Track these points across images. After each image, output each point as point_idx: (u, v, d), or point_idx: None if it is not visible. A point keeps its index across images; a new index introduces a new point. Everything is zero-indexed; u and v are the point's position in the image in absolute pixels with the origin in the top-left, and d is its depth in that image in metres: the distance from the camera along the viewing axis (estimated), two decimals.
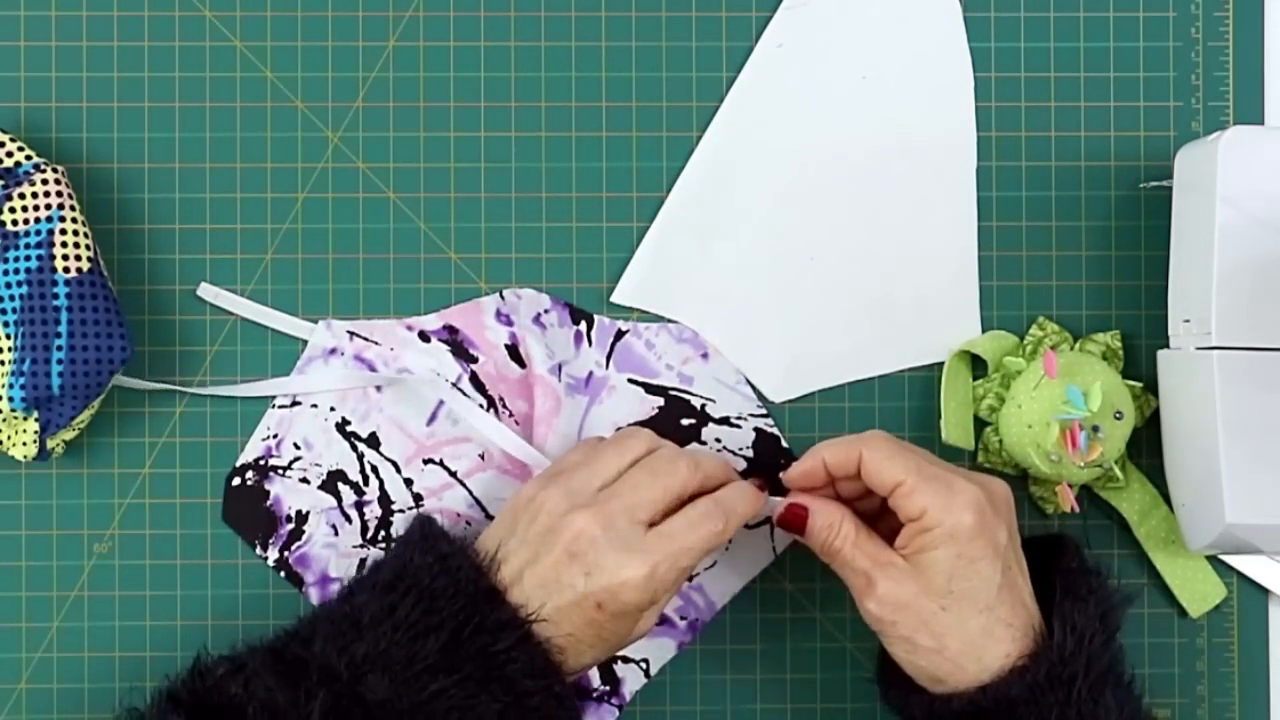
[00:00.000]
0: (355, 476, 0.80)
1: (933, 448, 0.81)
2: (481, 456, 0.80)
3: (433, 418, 0.80)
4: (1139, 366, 0.82)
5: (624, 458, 0.73)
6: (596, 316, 0.81)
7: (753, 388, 0.81)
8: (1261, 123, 0.82)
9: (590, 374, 0.81)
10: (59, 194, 0.76)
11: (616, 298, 0.81)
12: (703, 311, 0.81)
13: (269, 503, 0.80)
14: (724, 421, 0.81)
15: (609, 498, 0.71)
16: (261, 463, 0.79)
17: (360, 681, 0.68)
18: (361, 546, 0.79)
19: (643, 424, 0.80)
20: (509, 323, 0.80)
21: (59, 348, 0.75)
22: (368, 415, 0.80)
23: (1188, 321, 0.77)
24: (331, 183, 0.81)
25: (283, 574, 0.79)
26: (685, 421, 0.81)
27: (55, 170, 0.76)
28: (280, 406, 0.80)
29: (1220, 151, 0.74)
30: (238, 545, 0.80)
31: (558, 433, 0.79)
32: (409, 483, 0.80)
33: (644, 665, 0.80)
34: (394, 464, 0.80)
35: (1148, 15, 0.82)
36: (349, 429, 0.80)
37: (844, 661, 0.81)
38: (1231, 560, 0.82)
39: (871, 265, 0.81)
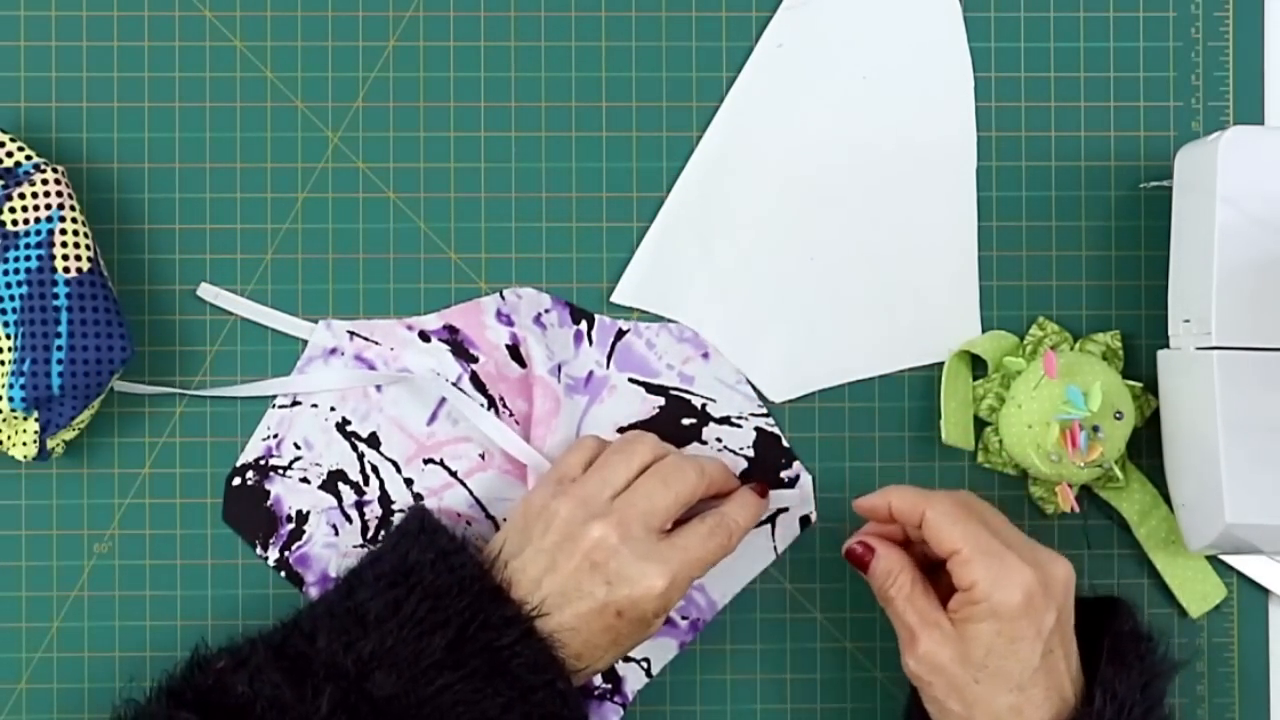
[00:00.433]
0: (355, 476, 0.80)
1: (932, 448, 0.82)
2: (482, 456, 0.80)
3: (433, 418, 0.80)
4: (1139, 366, 0.82)
5: (632, 464, 0.74)
6: (597, 316, 0.81)
7: (753, 387, 0.81)
8: (1261, 123, 0.82)
9: (590, 373, 0.81)
10: (59, 194, 0.76)
11: (616, 298, 0.81)
12: (703, 311, 0.81)
13: (269, 503, 0.80)
14: (724, 421, 0.81)
15: (625, 506, 0.72)
16: (262, 463, 0.79)
17: (367, 678, 0.69)
18: (362, 546, 0.79)
19: (643, 424, 0.80)
20: (509, 323, 0.80)
21: (59, 348, 0.75)
22: (368, 415, 0.80)
23: (1188, 321, 0.77)
24: (331, 183, 0.81)
25: (283, 574, 0.79)
26: (686, 421, 0.81)
27: (55, 170, 0.76)
28: (280, 406, 0.80)
29: (1220, 151, 0.74)
30: (238, 545, 0.80)
31: (556, 433, 0.79)
32: (409, 482, 0.80)
33: (645, 665, 0.80)
34: (394, 464, 0.80)
35: (1148, 15, 0.82)
36: (349, 429, 0.80)
37: (844, 661, 0.81)
38: (1231, 560, 0.82)
39: (871, 265, 0.81)
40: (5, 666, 0.79)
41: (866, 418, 0.82)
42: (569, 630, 0.71)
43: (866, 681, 0.81)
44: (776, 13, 0.82)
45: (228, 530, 0.80)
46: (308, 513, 0.80)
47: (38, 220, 0.75)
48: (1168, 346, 0.79)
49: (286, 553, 0.79)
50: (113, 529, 0.80)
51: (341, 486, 0.80)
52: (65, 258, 0.75)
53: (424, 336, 0.80)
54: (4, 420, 0.76)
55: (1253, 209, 0.74)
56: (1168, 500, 0.80)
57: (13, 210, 0.75)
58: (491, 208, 0.81)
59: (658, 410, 0.81)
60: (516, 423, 0.80)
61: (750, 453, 0.81)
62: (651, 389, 0.81)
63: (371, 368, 0.80)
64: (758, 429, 0.81)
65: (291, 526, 0.79)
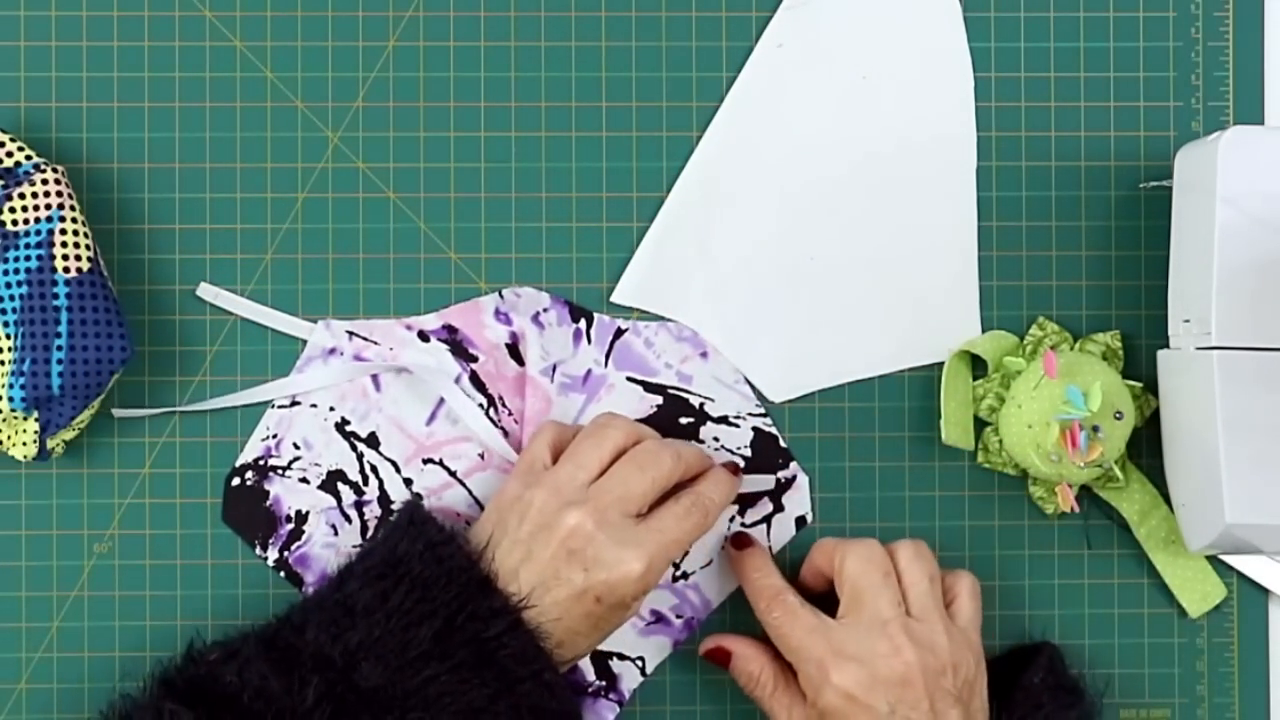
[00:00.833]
0: (355, 476, 0.80)
1: (932, 448, 0.81)
2: (481, 456, 0.80)
3: (432, 417, 0.80)
4: (1139, 366, 0.82)
5: (604, 449, 0.75)
6: (596, 315, 0.81)
7: (752, 388, 0.81)
8: (1261, 123, 0.82)
9: (589, 372, 0.81)
10: (59, 194, 0.76)
11: (616, 298, 0.81)
12: (702, 311, 0.81)
13: (269, 503, 0.80)
14: (722, 420, 0.81)
15: (600, 493, 0.73)
16: (261, 463, 0.79)
17: (354, 669, 0.69)
18: (360, 546, 0.79)
19: (641, 422, 0.80)
20: (508, 321, 0.80)
21: (59, 348, 0.75)
22: (367, 415, 0.80)
23: (1188, 321, 0.77)
24: (331, 183, 0.81)
25: (282, 574, 0.79)
26: (684, 420, 0.81)
27: (55, 170, 0.76)
28: (280, 406, 0.80)
29: (1220, 151, 0.74)
30: (238, 545, 0.80)
31: None
32: (408, 482, 0.80)
33: (640, 663, 0.80)
34: (393, 464, 0.80)
35: (1148, 15, 0.82)
36: (348, 429, 0.80)
37: None
38: (1231, 560, 0.82)
39: (871, 265, 0.81)
40: (5, 666, 0.79)
41: (866, 418, 0.82)
42: (550, 619, 0.71)
43: None
44: (776, 13, 0.82)
45: (228, 530, 0.80)
46: (307, 513, 0.80)
47: (38, 220, 0.75)
48: (1168, 346, 0.79)
49: (286, 553, 0.79)
50: (113, 529, 0.80)
51: (341, 486, 0.80)
52: (65, 258, 0.75)
53: (423, 336, 0.80)
54: (4, 420, 0.76)
55: (1253, 209, 0.74)
56: (1168, 500, 0.80)
57: (13, 210, 0.75)
58: (491, 208, 0.81)
59: (656, 409, 0.81)
60: (516, 422, 0.80)
61: (748, 452, 0.81)
62: (649, 388, 0.81)
63: None
64: (755, 429, 0.81)
65: (291, 526, 0.79)
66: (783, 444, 0.81)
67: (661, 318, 0.81)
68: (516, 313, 0.80)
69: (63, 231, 0.75)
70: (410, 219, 0.81)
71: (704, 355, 0.81)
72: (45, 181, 0.76)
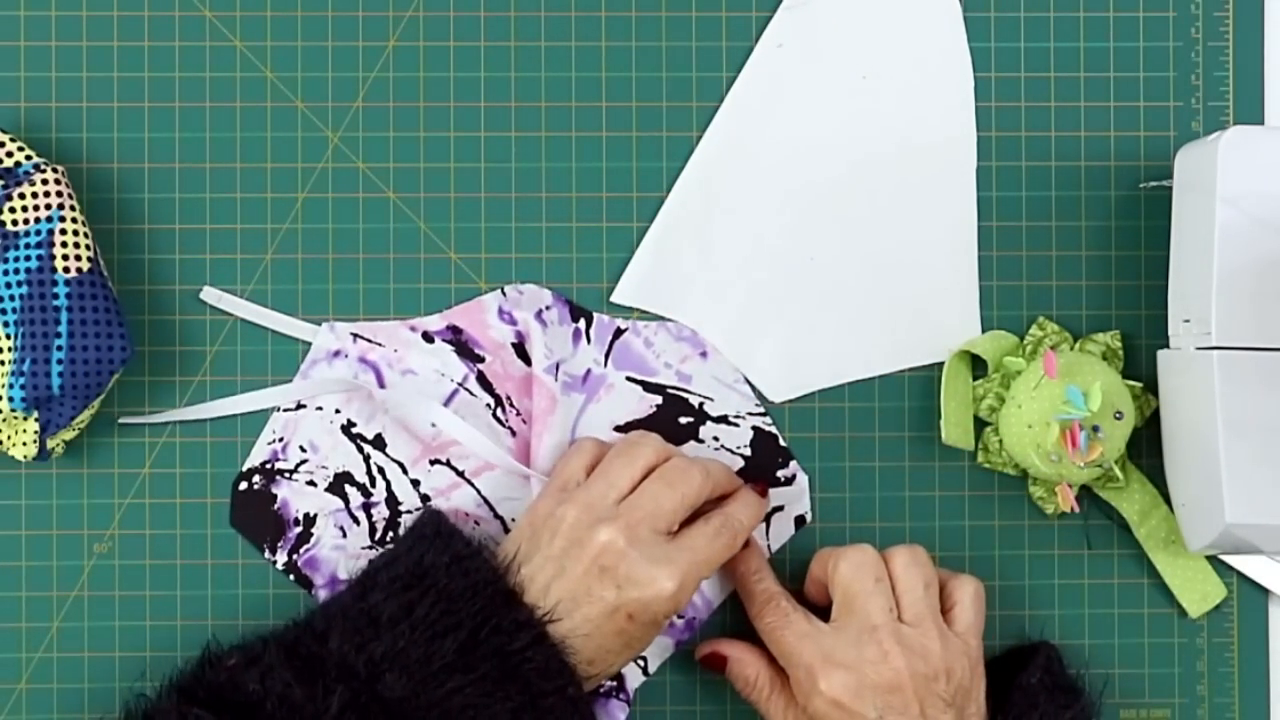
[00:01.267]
0: (362, 478, 0.80)
1: (932, 448, 0.81)
2: None
3: None
4: (1139, 366, 0.82)
5: (636, 466, 0.75)
6: (595, 314, 0.81)
7: (752, 387, 0.81)
8: (1261, 123, 0.82)
9: (588, 371, 0.81)
10: (59, 194, 0.76)
11: (616, 298, 0.81)
12: (702, 311, 0.81)
13: (276, 506, 0.80)
14: (722, 420, 0.81)
15: (631, 510, 0.73)
16: (268, 466, 0.79)
17: (378, 680, 0.69)
18: (370, 548, 0.79)
19: (640, 422, 0.80)
20: (512, 320, 0.80)
21: (59, 348, 0.75)
22: (373, 417, 0.80)
23: (1188, 321, 0.77)
24: (331, 183, 0.81)
25: (291, 577, 0.79)
26: (683, 420, 0.81)
27: (55, 170, 0.76)
28: (285, 409, 0.80)
29: (1220, 151, 0.74)
30: (238, 545, 0.80)
31: (552, 432, 0.79)
32: (416, 484, 0.80)
33: (642, 663, 0.80)
34: (400, 465, 0.80)
35: (1148, 15, 0.82)
36: (354, 431, 0.80)
37: None
38: (1231, 560, 0.82)
39: (871, 265, 0.81)
40: (5, 666, 0.79)
41: (866, 418, 0.82)
42: (580, 635, 0.71)
43: None
44: (776, 13, 0.82)
45: (228, 530, 0.80)
46: (315, 515, 0.80)
47: (38, 220, 0.75)
48: (1168, 346, 0.79)
49: (295, 556, 0.79)
50: (113, 529, 0.80)
51: (348, 489, 0.80)
52: (65, 258, 0.75)
53: (427, 337, 0.80)
54: (4, 420, 0.76)
55: (1253, 209, 0.74)
56: (1168, 500, 0.80)
57: (13, 210, 0.75)
58: (491, 208, 0.81)
59: (655, 409, 0.81)
60: (524, 422, 0.80)
61: (747, 452, 0.81)
62: (649, 387, 0.81)
63: (376, 370, 0.80)
64: (755, 428, 0.81)
65: (299, 530, 0.79)
66: (783, 444, 0.81)
67: (661, 318, 0.81)
68: (520, 310, 0.80)
69: (63, 231, 0.75)
70: (410, 219, 0.81)
71: (704, 355, 0.81)
72: (45, 181, 0.76)
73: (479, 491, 0.80)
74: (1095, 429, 0.77)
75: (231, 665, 0.70)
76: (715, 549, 0.74)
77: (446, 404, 0.80)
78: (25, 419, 0.76)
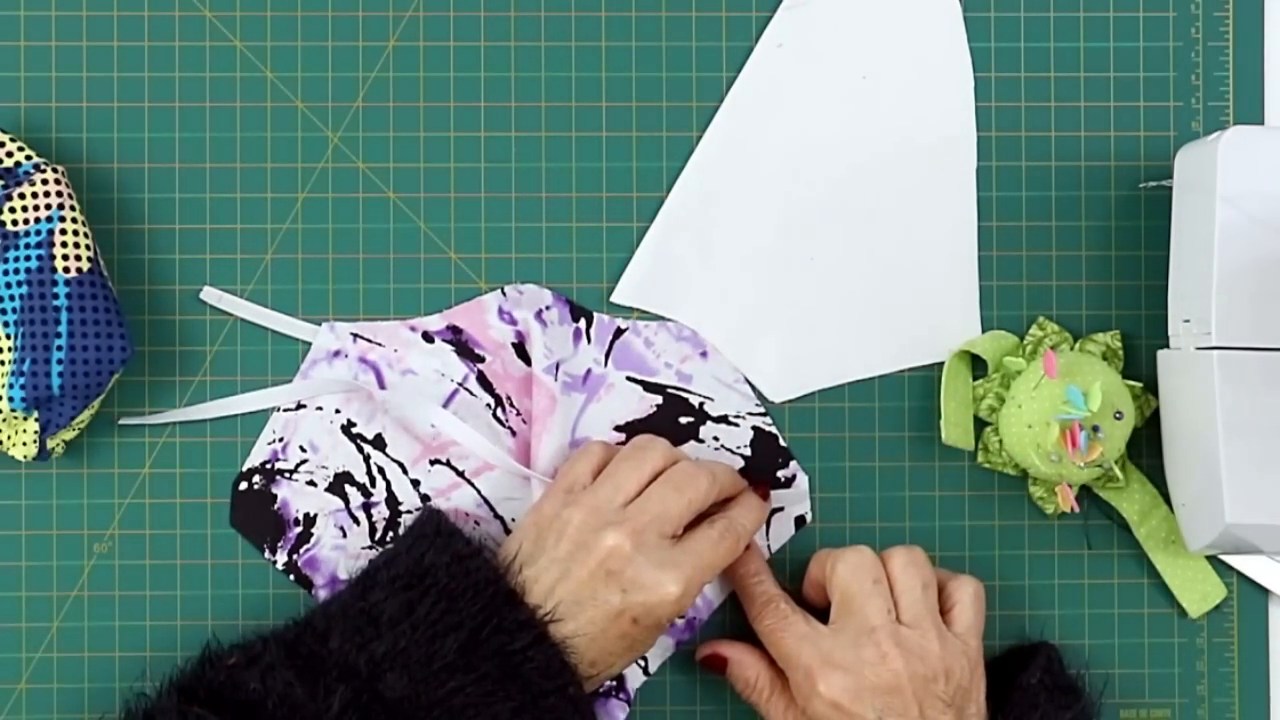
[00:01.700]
0: (362, 478, 0.80)
1: (932, 448, 0.81)
2: None
3: None
4: (1139, 366, 0.82)
5: (643, 470, 0.75)
6: (595, 314, 0.81)
7: (752, 387, 0.81)
8: (1261, 123, 0.82)
9: (589, 371, 0.81)
10: (59, 194, 0.76)
11: (616, 298, 0.81)
12: (702, 311, 0.81)
13: (276, 506, 0.80)
14: (722, 420, 0.81)
15: (637, 514, 0.73)
16: (268, 466, 0.79)
17: (379, 679, 0.69)
18: (370, 548, 0.79)
19: (640, 422, 0.80)
20: (512, 321, 0.80)
21: (59, 348, 0.75)
22: (373, 417, 0.80)
23: (1188, 321, 0.77)
24: (331, 183, 0.81)
25: (292, 577, 0.79)
26: (683, 420, 0.81)
27: (55, 170, 0.76)
28: (285, 409, 0.80)
29: (1220, 151, 0.74)
30: (238, 545, 0.80)
31: (551, 432, 0.79)
32: (416, 484, 0.80)
33: (643, 663, 0.80)
34: (401, 465, 0.80)
35: (1148, 15, 0.82)
36: (354, 431, 0.80)
37: None
38: (1231, 560, 0.82)
39: (871, 265, 0.81)
40: (5, 666, 0.79)
41: (866, 418, 0.82)
42: (584, 638, 0.71)
43: None
44: (776, 13, 0.82)
45: (228, 530, 0.80)
46: (315, 515, 0.80)
47: (38, 220, 0.75)
48: (1168, 346, 0.79)
49: (295, 556, 0.79)
50: (113, 529, 0.80)
51: (348, 489, 0.80)
52: (65, 258, 0.75)
53: (427, 337, 0.80)
54: (4, 420, 0.76)
55: (1253, 209, 0.74)
56: (1168, 500, 0.80)
57: (13, 210, 0.75)
58: (491, 208, 0.81)
59: (655, 409, 0.81)
60: (524, 422, 0.80)
61: (747, 452, 0.81)
62: (649, 387, 0.81)
63: (376, 370, 0.80)
64: (755, 428, 0.81)
65: (299, 530, 0.79)
66: (783, 444, 0.81)
67: (661, 317, 0.81)
68: (520, 310, 0.80)
69: (63, 231, 0.75)
70: (410, 219, 0.81)
71: (704, 355, 0.81)
72: (45, 181, 0.76)
73: (479, 491, 0.80)
74: (1095, 429, 0.77)
75: (232, 664, 0.70)
76: (719, 553, 0.74)
77: (447, 404, 0.80)
78: (25, 419, 0.76)
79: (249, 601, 0.80)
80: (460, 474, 0.80)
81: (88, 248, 0.76)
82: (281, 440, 0.80)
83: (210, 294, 0.80)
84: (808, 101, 0.81)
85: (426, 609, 0.70)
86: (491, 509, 0.80)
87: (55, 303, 0.75)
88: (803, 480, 0.81)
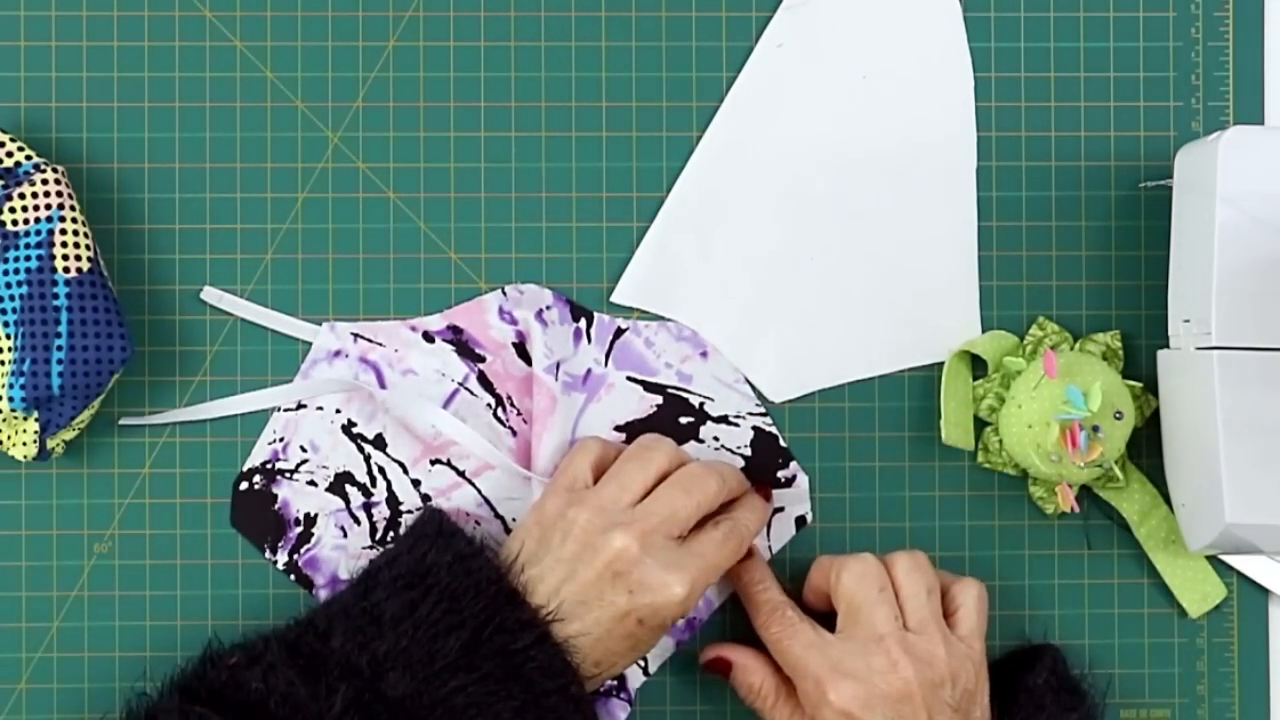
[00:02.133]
0: (363, 478, 0.80)
1: (932, 448, 0.81)
2: None
3: None
4: (1139, 366, 0.82)
5: (649, 471, 0.75)
6: (596, 314, 0.81)
7: (752, 387, 0.81)
8: (1261, 123, 0.82)
9: (589, 371, 0.81)
10: (59, 194, 0.76)
11: (616, 298, 0.81)
12: (702, 312, 0.81)
13: (277, 506, 0.80)
14: (722, 420, 0.81)
15: (645, 515, 0.73)
16: (268, 466, 0.79)
17: (381, 678, 0.69)
18: (371, 548, 0.79)
19: (641, 422, 0.80)
20: (513, 321, 0.80)
21: (59, 348, 0.75)
22: (374, 417, 0.80)
23: (1188, 321, 0.77)
24: (331, 183, 0.81)
25: (292, 577, 0.79)
26: (684, 420, 0.81)
27: (55, 170, 0.76)
28: (286, 409, 0.80)
29: (1220, 151, 0.74)
30: (238, 545, 0.80)
31: (552, 431, 0.79)
32: (417, 483, 0.80)
33: (643, 663, 0.80)
34: (401, 465, 0.80)
35: (1148, 15, 0.82)
36: (355, 431, 0.80)
37: None
38: (1231, 560, 0.82)
39: (871, 265, 0.81)
40: (5, 666, 0.79)
41: (866, 418, 0.82)
42: (589, 638, 0.71)
43: None
44: (776, 13, 0.82)
45: (228, 530, 0.80)
46: (316, 515, 0.80)
47: (38, 220, 0.75)
48: (1168, 346, 0.79)
49: (296, 556, 0.79)
50: (113, 529, 0.80)
51: (349, 489, 0.80)
52: (65, 258, 0.75)
53: (428, 337, 0.80)
54: (4, 420, 0.76)
55: (1253, 209, 0.74)
56: (1168, 500, 0.80)
57: (13, 210, 0.75)
58: (491, 208, 0.81)
59: (655, 409, 0.81)
60: (525, 421, 0.80)
61: (747, 452, 0.81)
62: (649, 387, 0.81)
63: (376, 370, 0.80)
64: (755, 428, 0.81)
65: (300, 530, 0.79)
66: (783, 444, 0.81)
67: (661, 318, 0.81)
68: (520, 310, 0.80)
69: (63, 231, 0.75)
70: (410, 219, 0.81)
71: (704, 355, 0.81)
72: (45, 181, 0.76)
73: (480, 491, 0.80)
74: (1095, 429, 0.77)
75: (233, 664, 0.70)
76: (724, 554, 0.74)
77: (447, 404, 0.80)
78: (25, 419, 0.76)
79: (249, 601, 0.80)
80: (461, 474, 0.80)
81: (88, 248, 0.76)
82: (282, 440, 0.80)
83: (210, 294, 0.80)
84: (808, 101, 0.82)
85: (428, 608, 0.70)
86: (492, 509, 0.80)
87: (55, 303, 0.75)
88: (803, 480, 0.81)
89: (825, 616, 0.77)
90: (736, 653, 0.78)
